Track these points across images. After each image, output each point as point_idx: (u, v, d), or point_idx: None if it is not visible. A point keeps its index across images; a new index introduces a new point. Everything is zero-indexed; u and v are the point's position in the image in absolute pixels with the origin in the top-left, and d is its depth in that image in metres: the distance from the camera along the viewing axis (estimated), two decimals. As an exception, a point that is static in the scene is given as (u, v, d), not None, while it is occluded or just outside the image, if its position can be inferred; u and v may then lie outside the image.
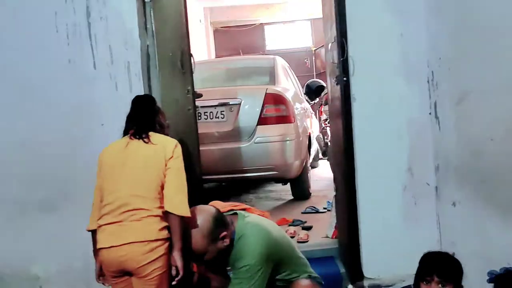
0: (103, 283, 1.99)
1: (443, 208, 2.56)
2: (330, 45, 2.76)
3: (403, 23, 2.58)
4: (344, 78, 2.58)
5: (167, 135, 2.09)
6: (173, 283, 1.87)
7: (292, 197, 4.63)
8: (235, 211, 2.16)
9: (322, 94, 5.08)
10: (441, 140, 2.53)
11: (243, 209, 2.25)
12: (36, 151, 2.55)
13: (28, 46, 2.52)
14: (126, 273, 1.85)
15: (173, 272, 1.86)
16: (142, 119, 2.01)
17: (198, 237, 1.94)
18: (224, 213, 2.11)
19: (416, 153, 2.63)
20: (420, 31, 2.58)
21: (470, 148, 2.21)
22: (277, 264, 2.09)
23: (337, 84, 2.65)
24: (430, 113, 2.61)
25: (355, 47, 2.57)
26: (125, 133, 2.02)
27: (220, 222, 2.01)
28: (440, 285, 1.76)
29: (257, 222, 2.10)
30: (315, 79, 5.83)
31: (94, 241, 1.94)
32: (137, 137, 1.95)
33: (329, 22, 2.80)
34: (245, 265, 1.95)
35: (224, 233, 1.99)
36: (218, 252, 2.01)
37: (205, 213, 2.00)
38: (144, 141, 1.93)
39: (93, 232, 1.95)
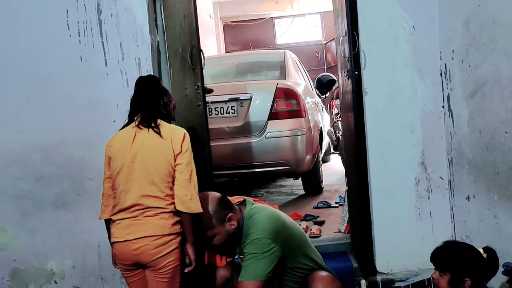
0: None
1: (457, 202, 2.54)
2: (341, 38, 2.73)
3: (415, 15, 2.54)
4: (356, 72, 2.55)
5: (173, 118, 2.06)
6: (185, 271, 1.92)
7: (303, 192, 4.63)
8: (242, 201, 2.20)
9: (333, 88, 5.04)
10: (454, 133, 2.50)
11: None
12: (49, 149, 2.58)
13: (40, 44, 2.53)
14: (140, 266, 1.87)
15: (187, 261, 1.92)
16: (148, 102, 1.95)
17: (205, 219, 1.99)
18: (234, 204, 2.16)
19: (429, 147, 2.60)
20: (433, 23, 2.54)
21: (485, 141, 2.18)
22: (289, 249, 2.10)
23: (348, 78, 2.63)
24: (443, 106, 2.59)
25: (367, 40, 2.55)
26: (130, 117, 1.98)
27: (225, 204, 2.07)
28: (439, 274, 1.77)
29: (265, 206, 2.16)
30: (326, 73, 5.78)
31: (109, 229, 1.97)
32: (145, 125, 1.90)
33: (339, 15, 2.77)
34: (255, 238, 1.97)
35: (230, 214, 2.04)
36: (227, 236, 2.04)
37: (209, 196, 2.07)
38: (155, 131, 1.88)
39: (106, 221, 1.99)
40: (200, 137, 2.58)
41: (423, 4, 2.54)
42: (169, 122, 2.00)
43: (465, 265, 1.74)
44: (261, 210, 2.11)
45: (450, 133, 2.54)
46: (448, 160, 2.58)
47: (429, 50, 2.56)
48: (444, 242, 1.87)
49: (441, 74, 2.57)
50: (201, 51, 2.57)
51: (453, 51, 2.43)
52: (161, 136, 1.88)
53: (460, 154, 2.44)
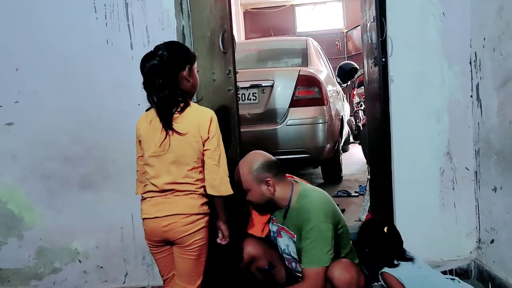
0: None
1: (482, 193, 2.50)
2: (368, 25, 2.69)
3: (446, 1, 2.48)
4: (383, 59, 2.51)
5: (192, 91, 1.92)
6: (218, 241, 1.98)
7: (323, 181, 4.61)
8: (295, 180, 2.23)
9: (356, 76, 4.97)
10: (482, 123, 2.45)
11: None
12: (76, 130, 2.61)
13: (67, 27, 2.56)
14: (168, 242, 1.89)
15: (220, 236, 1.97)
16: (155, 89, 1.81)
17: (245, 170, 2.10)
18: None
19: (456, 137, 2.56)
20: (464, 10, 2.48)
21: (515, 132, 2.13)
22: (336, 235, 2.11)
23: (375, 65, 2.59)
24: (471, 96, 2.53)
25: (395, 26, 2.50)
26: (149, 101, 1.89)
27: (270, 167, 2.11)
28: None
29: (315, 187, 2.20)
30: (348, 61, 5.70)
31: None
32: (165, 126, 1.80)
33: (367, 1, 2.72)
34: (319, 226, 2.00)
35: (270, 179, 2.08)
36: (261, 197, 2.09)
37: (262, 154, 2.15)
38: (176, 132, 1.80)
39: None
40: (230, 122, 2.57)
41: (454, -10, 2.48)
42: (190, 98, 1.91)
43: (364, 238, 2.15)
44: (315, 192, 2.14)
45: (478, 123, 2.49)
46: (475, 150, 2.54)
47: (459, 37, 2.50)
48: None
49: (470, 63, 2.51)
50: (233, 35, 2.57)
51: (484, 39, 2.37)
52: (181, 134, 1.81)
53: (488, 144, 2.40)
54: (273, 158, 2.16)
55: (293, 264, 2.20)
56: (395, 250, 2.11)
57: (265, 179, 2.08)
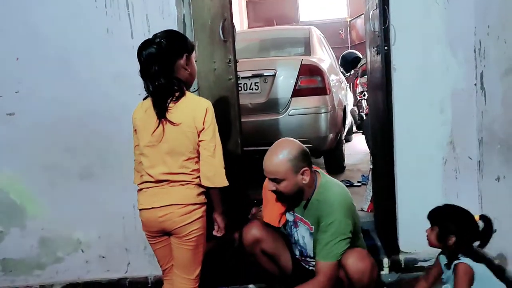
0: None
1: (485, 183, 2.48)
2: (371, 13, 2.65)
3: (450, -12, 2.45)
4: (385, 47, 2.48)
5: (188, 82, 1.89)
6: (214, 233, 1.96)
7: (325, 171, 4.60)
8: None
9: (359, 65, 4.94)
10: (486, 112, 2.42)
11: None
12: (76, 120, 2.61)
13: (67, 16, 2.54)
14: (165, 233, 1.88)
15: (216, 228, 1.95)
16: (151, 77, 1.79)
17: (283, 159, 1.98)
18: None
19: (459, 126, 2.54)
20: (468, -3, 2.45)
21: (519, 121, 2.11)
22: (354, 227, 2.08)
23: (377, 54, 2.56)
24: (475, 84, 2.50)
25: (398, 14, 2.47)
26: (146, 90, 1.86)
27: (306, 158, 2.04)
28: (430, 228, 1.97)
29: (339, 182, 2.16)
30: (351, 50, 5.66)
31: None
32: (160, 116, 1.77)
33: (370, -12, 2.69)
34: (342, 221, 1.96)
35: (307, 169, 2.01)
36: (294, 187, 2.01)
37: (297, 142, 2.07)
38: (170, 123, 1.77)
39: None
40: (230, 111, 2.56)
41: (458, -24, 2.44)
42: (188, 88, 1.89)
43: (452, 223, 1.91)
44: (337, 186, 2.10)
45: (482, 112, 2.46)
46: (478, 139, 2.51)
47: (463, 25, 2.47)
48: (444, 204, 2.00)
49: (474, 51, 2.48)
50: (233, 24, 2.55)
51: (488, 26, 2.33)
52: (174, 124, 1.78)
53: (492, 133, 2.37)
54: (305, 147, 2.08)
55: (304, 256, 2.20)
56: (484, 243, 1.92)
57: (302, 169, 2.00)
